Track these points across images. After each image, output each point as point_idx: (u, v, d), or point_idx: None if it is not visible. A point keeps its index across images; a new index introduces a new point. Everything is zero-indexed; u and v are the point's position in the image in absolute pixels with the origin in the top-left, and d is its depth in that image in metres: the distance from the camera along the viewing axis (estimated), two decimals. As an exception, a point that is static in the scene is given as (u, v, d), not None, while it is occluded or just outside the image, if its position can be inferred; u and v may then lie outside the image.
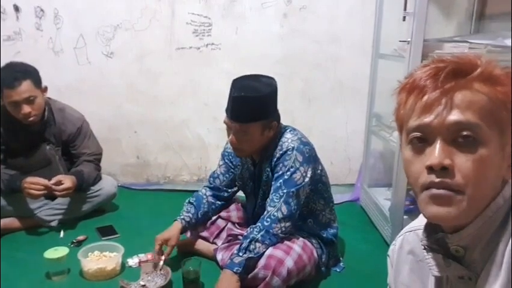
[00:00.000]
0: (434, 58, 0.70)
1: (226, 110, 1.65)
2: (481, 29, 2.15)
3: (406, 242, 0.87)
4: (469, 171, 0.63)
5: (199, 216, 1.87)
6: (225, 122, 1.66)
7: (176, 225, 1.80)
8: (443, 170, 0.63)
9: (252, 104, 1.59)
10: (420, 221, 0.83)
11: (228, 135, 1.68)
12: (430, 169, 0.64)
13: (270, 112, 1.65)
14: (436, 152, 0.63)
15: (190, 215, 1.84)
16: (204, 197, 1.91)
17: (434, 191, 0.64)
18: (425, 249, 0.74)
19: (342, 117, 2.69)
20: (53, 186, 2.02)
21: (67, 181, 2.06)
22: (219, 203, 1.93)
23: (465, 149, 0.63)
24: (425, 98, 0.65)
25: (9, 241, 2.06)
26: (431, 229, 0.74)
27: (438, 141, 0.64)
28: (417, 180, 0.67)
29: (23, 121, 2.04)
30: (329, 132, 2.69)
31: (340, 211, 1.97)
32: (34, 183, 1.99)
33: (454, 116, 0.63)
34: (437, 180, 0.63)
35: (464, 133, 0.63)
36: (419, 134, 0.66)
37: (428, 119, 0.65)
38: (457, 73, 0.65)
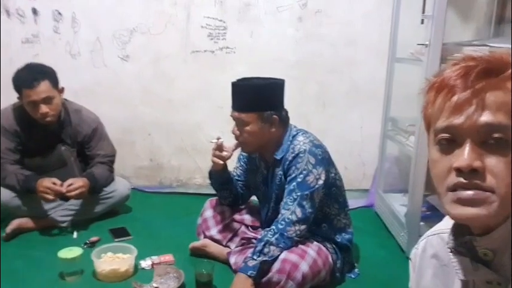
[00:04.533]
0: (465, 56, 0.67)
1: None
2: (501, 33, 2.11)
3: (430, 245, 0.84)
4: (500, 173, 0.60)
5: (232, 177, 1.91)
6: (231, 116, 1.71)
7: None
8: (472, 173, 0.60)
9: (249, 92, 1.64)
10: (445, 224, 0.80)
11: None
12: (458, 171, 0.61)
13: (268, 104, 1.67)
14: (466, 154, 0.61)
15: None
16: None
17: (462, 193, 0.61)
18: (451, 252, 0.71)
19: (357, 122, 2.67)
20: (66, 192, 2.04)
21: (78, 181, 2.09)
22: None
23: (496, 151, 0.61)
24: (455, 98, 0.63)
25: (24, 240, 2.07)
26: (458, 231, 0.72)
27: (468, 143, 0.62)
28: (443, 182, 0.64)
29: (40, 121, 2.07)
30: (343, 136, 2.67)
31: (354, 217, 1.95)
32: (49, 188, 2.01)
33: (485, 117, 0.60)
34: (466, 181, 0.61)
35: (496, 135, 0.60)
36: (447, 135, 0.64)
37: (457, 120, 0.62)
38: (488, 72, 0.62)
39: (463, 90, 0.62)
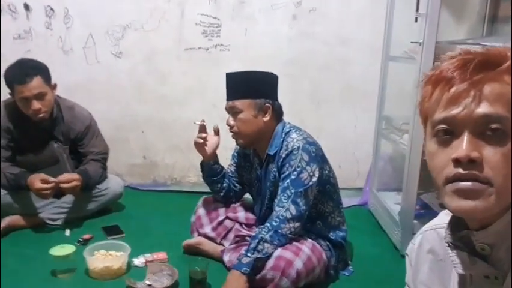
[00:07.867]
0: (462, 50, 0.68)
1: None
2: (493, 32, 2.13)
3: (426, 240, 0.84)
4: (497, 164, 0.60)
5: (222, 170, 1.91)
6: (225, 108, 1.74)
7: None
8: (470, 163, 0.61)
9: (243, 80, 1.68)
10: (441, 220, 0.81)
11: None
12: (456, 162, 0.61)
13: (261, 93, 1.69)
14: (464, 145, 0.61)
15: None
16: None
17: (461, 184, 0.61)
18: (449, 246, 0.71)
19: (351, 120, 2.67)
20: (59, 183, 2.02)
21: (72, 175, 2.08)
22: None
23: (493, 142, 0.61)
24: (453, 89, 0.63)
25: (15, 238, 2.05)
26: (455, 226, 0.72)
27: (466, 134, 0.62)
28: (442, 173, 0.64)
29: (32, 117, 2.04)
30: (337, 134, 2.67)
31: (348, 215, 1.95)
32: (42, 189, 1.99)
33: (483, 108, 0.61)
34: (464, 172, 0.61)
35: (493, 126, 0.61)
36: (445, 126, 0.64)
37: (455, 111, 0.63)
38: (485, 65, 0.63)
39: (461, 82, 0.63)
